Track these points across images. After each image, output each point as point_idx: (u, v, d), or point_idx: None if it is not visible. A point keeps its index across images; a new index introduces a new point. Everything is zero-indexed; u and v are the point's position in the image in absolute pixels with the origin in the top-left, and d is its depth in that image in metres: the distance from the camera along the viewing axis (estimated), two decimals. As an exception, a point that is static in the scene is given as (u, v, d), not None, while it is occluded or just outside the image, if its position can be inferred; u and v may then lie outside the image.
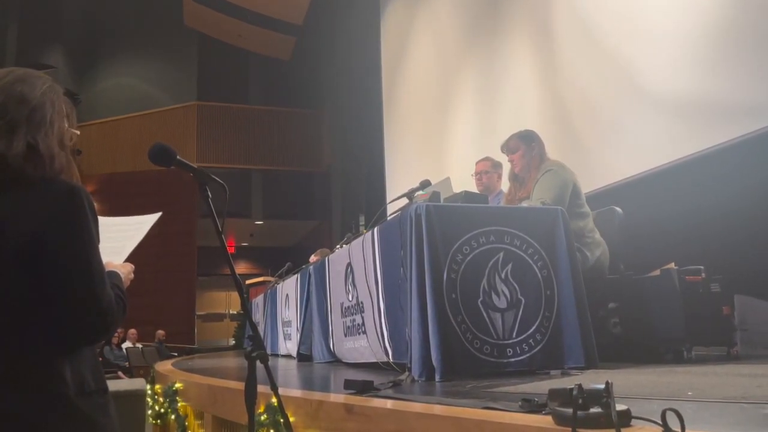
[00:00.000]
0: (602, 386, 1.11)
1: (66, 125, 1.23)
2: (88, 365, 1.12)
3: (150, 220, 1.57)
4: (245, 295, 1.65)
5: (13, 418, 1.01)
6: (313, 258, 5.60)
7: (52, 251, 1.07)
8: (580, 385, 1.12)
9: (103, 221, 1.19)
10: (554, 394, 1.22)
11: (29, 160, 1.11)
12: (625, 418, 1.10)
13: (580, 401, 1.10)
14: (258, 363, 1.43)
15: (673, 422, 1.01)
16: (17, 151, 1.11)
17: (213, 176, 1.51)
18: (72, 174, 1.19)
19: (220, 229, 1.48)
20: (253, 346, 1.44)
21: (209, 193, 1.50)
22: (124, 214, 1.68)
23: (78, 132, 1.30)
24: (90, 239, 1.11)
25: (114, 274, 1.24)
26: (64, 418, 1.05)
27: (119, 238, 1.48)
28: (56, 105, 1.21)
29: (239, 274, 1.55)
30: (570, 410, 1.11)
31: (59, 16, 13.85)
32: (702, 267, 2.99)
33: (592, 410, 1.09)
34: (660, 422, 1.02)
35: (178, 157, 1.48)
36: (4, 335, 1.04)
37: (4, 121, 1.12)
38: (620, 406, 1.09)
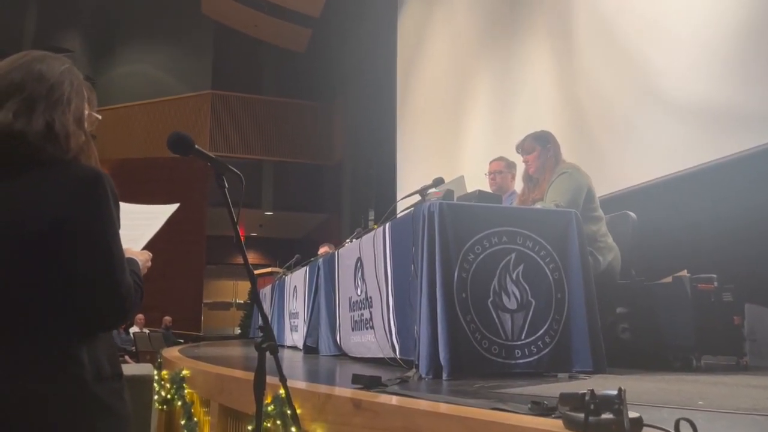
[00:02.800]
0: (615, 392, 1.10)
1: (86, 107, 1.23)
2: (103, 351, 1.12)
3: (168, 210, 1.57)
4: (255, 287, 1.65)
5: (32, 401, 1.01)
6: (321, 250, 5.61)
7: (74, 236, 1.06)
8: (592, 391, 1.11)
9: (124, 208, 1.18)
10: (565, 398, 1.21)
11: (48, 139, 1.11)
12: (637, 425, 1.09)
13: (592, 407, 1.09)
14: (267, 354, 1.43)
15: (686, 432, 1.00)
16: (37, 128, 1.10)
17: (230, 167, 1.51)
18: (90, 155, 1.19)
19: (236, 220, 1.48)
20: (264, 337, 1.44)
21: (225, 183, 1.50)
22: (134, 200, 1.68)
23: (99, 116, 1.30)
24: (112, 225, 1.11)
25: (132, 261, 1.24)
26: (82, 402, 1.05)
27: (138, 226, 1.48)
28: (75, 85, 1.20)
29: (247, 264, 1.54)
30: (581, 415, 1.10)
31: (77, 2, 13.91)
32: (714, 275, 2.97)
33: (604, 416, 1.08)
34: (673, 431, 1.02)
35: (196, 146, 1.48)
36: (24, 319, 1.04)
37: (23, 98, 1.12)
38: (632, 414, 1.08)
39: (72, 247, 1.06)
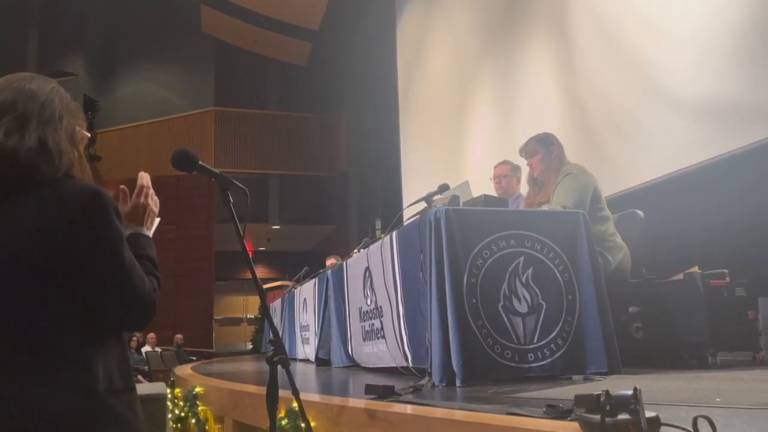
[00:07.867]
0: (630, 392, 1.09)
1: (76, 124, 1.23)
2: (116, 364, 1.12)
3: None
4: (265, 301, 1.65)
5: (46, 413, 1.02)
6: (328, 262, 5.61)
7: (86, 254, 1.07)
8: (607, 391, 1.10)
9: None
10: (581, 400, 1.20)
11: (41, 156, 1.11)
12: (655, 425, 1.07)
13: (608, 408, 1.08)
14: (279, 368, 1.42)
15: (704, 429, 0.99)
16: (30, 145, 1.10)
17: (234, 181, 1.52)
18: (84, 172, 1.19)
19: (242, 234, 1.48)
20: (275, 351, 1.44)
21: (231, 198, 1.51)
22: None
23: (88, 134, 1.30)
24: (120, 238, 1.13)
25: (144, 242, 1.27)
26: (94, 413, 1.05)
27: None
28: (65, 102, 1.21)
29: (256, 279, 1.54)
30: (597, 417, 1.09)
31: (79, 24, 14.05)
32: (726, 271, 2.94)
33: (620, 417, 1.07)
34: (691, 429, 1.00)
35: (199, 162, 1.49)
36: (38, 337, 1.05)
37: (15, 116, 1.12)
38: (649, 413, 1.07)
39: (83, 262, 1.07)
